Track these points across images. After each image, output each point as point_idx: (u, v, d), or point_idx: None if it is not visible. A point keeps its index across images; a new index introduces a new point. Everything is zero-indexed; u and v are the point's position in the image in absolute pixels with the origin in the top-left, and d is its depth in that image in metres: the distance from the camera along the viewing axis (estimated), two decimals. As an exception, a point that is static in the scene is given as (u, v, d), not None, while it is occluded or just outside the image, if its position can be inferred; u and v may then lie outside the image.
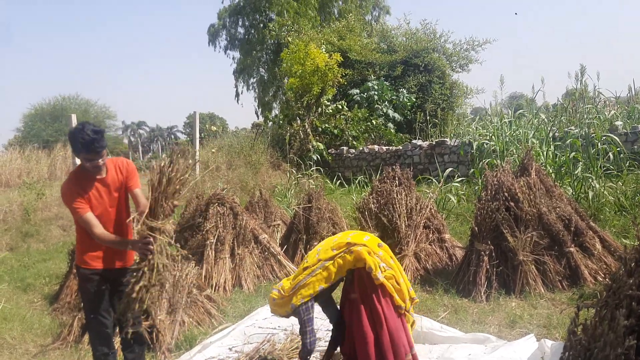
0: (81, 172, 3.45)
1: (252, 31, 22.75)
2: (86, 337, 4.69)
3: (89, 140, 3.20)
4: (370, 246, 3.52)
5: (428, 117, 15.77)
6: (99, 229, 3.32)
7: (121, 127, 60.54)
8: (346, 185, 12.93)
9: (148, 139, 70.55)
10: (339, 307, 3.78)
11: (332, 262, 3.45)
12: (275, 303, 3.53)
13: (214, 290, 5.90)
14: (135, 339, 3.74)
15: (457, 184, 9.77)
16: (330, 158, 14.79)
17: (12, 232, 9.18)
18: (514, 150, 9.23)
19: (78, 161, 3.48)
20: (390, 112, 16.10)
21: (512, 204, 5.52)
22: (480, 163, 9.40)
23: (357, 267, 3.48)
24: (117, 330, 3.83)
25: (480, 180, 8.95)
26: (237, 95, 24.44)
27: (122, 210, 3.53)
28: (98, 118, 36.19)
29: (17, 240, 9.06)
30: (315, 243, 6.76)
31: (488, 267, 5.41)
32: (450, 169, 10.47)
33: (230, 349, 4.44)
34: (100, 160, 3.34)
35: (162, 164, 3.33)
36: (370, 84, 16.61)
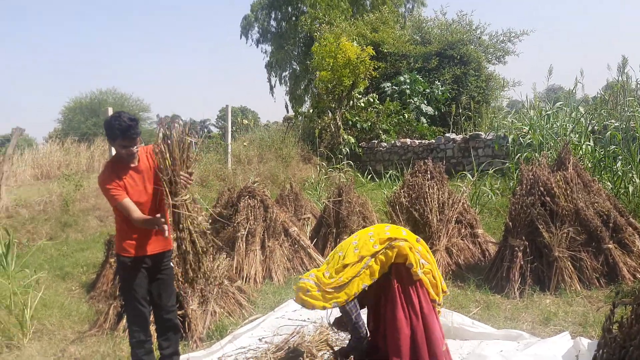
0: (116, 162, 3.57)
1: (284, 24, 22.80)
2: (121, 325, 4.82)
3: (125, 126, 3.33)
4: (410, 241, 3.47)
5: (462, 110, 15.52)
6: (137, 213, 3.41)
7: (156, 120, 61.52)
8: (377, 179, 12.85)
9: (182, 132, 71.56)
10: (368, 300, 3.75)
11: (374, 259, 3.38)
12: (310, 295, 3.34)
13: (245, 282, 5.97)
14: (170, 328, 3.82)
15: (492, 178, 9.61)
16: (361, 151, 14.72)
17: (52, 222, 9.45)
18: (552, 144, 9.00)
19: (114, 152, 3.59)
20: (423, 106, 15.90)
21: (547, 198, 5.39)
22: (516, 157, 9.21)
23: (396, 262, 3.43)
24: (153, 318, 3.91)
25: (515, 175, 8.77)
26: (271, 88, 24.57)
27: (157, 195, 3.60)
28: (133, 111, 36.69)
29: (56, 230, 9.34)
30: (345, 237, 6.74)
31: (522, 263, 5.31)
32: (485, 162, 10.30)
33: (260, 340, 4.48)
34: (134, 148, 3.45)
35: (159, 146, 3.41)
36: (402, 77, 16.43)
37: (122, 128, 3.32)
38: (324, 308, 3.39)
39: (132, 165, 3.54)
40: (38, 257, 7.74)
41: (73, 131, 25.76)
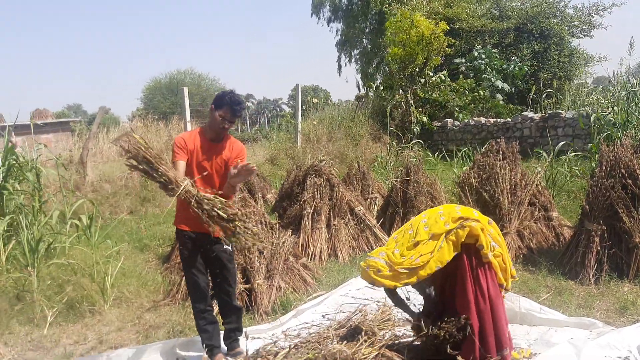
0: (203, 133, 3.69)
1: (356, 1, 22.45)
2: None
3: (238, 100, 3.57)
4: (482, 222, 3.35)
5: (542, 88, 14.70)
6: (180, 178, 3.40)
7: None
8: (448, 159, 12.54)
9: (256, 111, 73.00)
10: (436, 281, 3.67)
11: (445, 240, 3.25)
12: (381, 275, 3.23)
13: (310, 259, 6.06)
14: (229, 307, 3.88)
15: (571, 159, 9.11)
16: (433, 129, 14.37)
17: (132, 196, 9.98)
18: (635, 123, 8.38)
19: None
20: (499, 83, 15.22)
21: (629, 181, 5.04)
22: (598, 137, 8.66)
23: (466, 242, 3.31)
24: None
25: (597, 156, 8.26)
26: (340, 67, 24.37)
27: (218, 180, 3.67)
28: (209, 91, 37.54)
29: (136, 204, 9.85)
30: (412, 217, 6.65)
31: (599, 248, 5.03)
32: (563, 142, 9.76)
33: (323, 316, 4.55)
34: (227, 124, 3.59)
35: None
36: (476, 53, 15.77)
37: (233, 100, 3.54)
38: (394, 287, 3.33)
39: (214, 143, 3.65)
40: (119, 229, 8.21)
41: (153, 110, 26.83)
